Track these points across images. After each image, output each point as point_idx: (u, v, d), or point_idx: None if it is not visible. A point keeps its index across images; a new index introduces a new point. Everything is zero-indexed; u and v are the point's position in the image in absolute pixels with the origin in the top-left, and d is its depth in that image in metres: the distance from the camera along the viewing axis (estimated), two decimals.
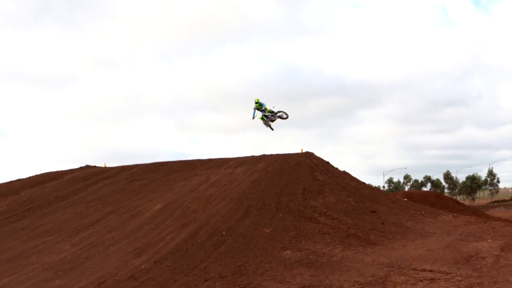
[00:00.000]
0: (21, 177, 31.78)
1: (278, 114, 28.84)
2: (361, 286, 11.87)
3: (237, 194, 21.24)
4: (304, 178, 22.76)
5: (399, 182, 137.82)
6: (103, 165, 32.81)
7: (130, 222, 20.23)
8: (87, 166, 32.72)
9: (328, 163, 26.81)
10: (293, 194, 20.76)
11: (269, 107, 28.74)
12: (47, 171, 32.69)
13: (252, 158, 28.27)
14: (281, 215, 18.59)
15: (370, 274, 12.81)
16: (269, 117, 28.67)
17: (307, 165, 24.72)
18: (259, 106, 28.67)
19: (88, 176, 29.36)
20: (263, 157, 28.41)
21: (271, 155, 28.96)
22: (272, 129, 28.53)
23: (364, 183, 26.09)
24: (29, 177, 31.50)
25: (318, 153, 27.83)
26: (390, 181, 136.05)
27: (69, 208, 23.22)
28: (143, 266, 15.13)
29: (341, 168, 26.87)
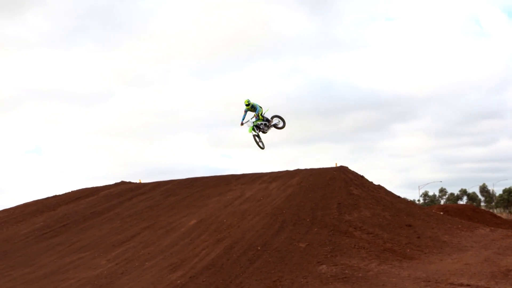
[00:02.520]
0: (58, 194, 32.08)
1: (273, 123, 26.08)
2: None
3: (272, 209, 21.21)
4: (339, 192, 22.67)
5: (434, 195, 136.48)
6: (138, 181, 32.98)
7: (165, 237, 20.29)
8: (122, 182, 32.93)
9: (362, 177, 26.68)
10: (328, 208, 20.69)
11: (263, 110, 26.13)
12: (83, 187, 32.97)
13: (287, 173, 28.21)
14: (316, 229, 18.53)
15: None
16: (261, 127, 25.96)
17: (342, 179, 24.62)
18: (251, 109, 26.17)
19: (123, 192, 29.54)
20: (298, 171, 28.33)
21: (306, 169, 28.86)
22: (263, 148, 25.84)
23: (399, 197, 25.90)
24: (65, 194, 31.78)
25: (352, 167, 27.68)
26: (425, 194, 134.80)
27: (105, 224, 23.35)
28: (178, 282, 15.16)
29: (375, 182, 26.71)
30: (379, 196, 23.78)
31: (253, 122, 25.76)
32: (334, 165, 28.24)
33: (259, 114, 25.98)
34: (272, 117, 26.13)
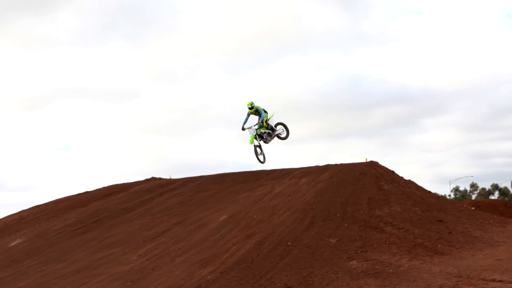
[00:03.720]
0: (89, 190, 32.32)
1: (277, 132, 23.94)
2: None
3: (302, 205, 21.19)
4: (369, 187, 22.58)
5: (465, 190, 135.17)
6: (168, 177, 33.11)
7: (195, 233, 20.36)
8: (153, 178, 33.07)
9: (393, 172, 26.54)
10: (359, 203, 20.62)
11: (268, 116, 23.80)
12: (114, 183, 33.17)
13: (317, 168, 28.14)
14: (346, 225, 18.48)
15: (438, 285, 12.65)
16: (264, 137, 23.81)
17: (372, 175, 24.52)
18: (255, 113, 24.00)
19: (154, 188, 29.67)
20: (328, 167, 28.25)
21: (336, 164, 28.77)
22: (263, 162, 23.68)
23: (430, 192, 25.71)
24: (97, 190, 31.98)
25: (382, 162, 27.51)
26: (456, 189, 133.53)
27: (136, 220, 23.49)
28: (209, 277, 15.21)
29: (406, 177, 26.56)
30: (410, 191, 23.64)
31: (256, 130, 23.66)
32: (364, 160, 28.13)
33: (264, 121, 23.89)
34: (276, 125, 24.22)
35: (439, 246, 17.27)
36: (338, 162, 29.28)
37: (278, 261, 15.66)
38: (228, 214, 21.86)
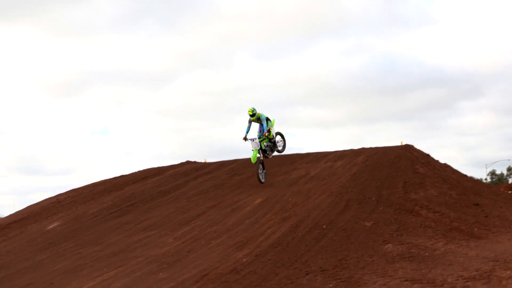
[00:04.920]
0: (124, 174, 32.58)
1: (278, 147, 23.81)
2: (465, 280, 11.65)
3: (337, 188, 21.17)
4: (404, 171, 22.49)
5: (502, 174, 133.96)
6: (203, 161, 33.25)
7: (230, 216, 20.43)
8: (188, 162, 33.23)
9: (428, 155, 26.40)
10: (394, 187, 20.55)
11: (272, 128, 23.12)
12: (149, 167, 33.40)
13: (351, 152, 28.10)
14: (381, 208, 18.43)
15: (474, 269, 12.56)
16: (267, 152, 23.22)
17: (407, 158, 24.41)
18: (257, 120, 23.13)
19: (189, 172, 29.81)
20: (363, 150, 28.19)
21: (371, 148, 28.70)
22: (262, 181, 23.12)
23: (466, 175, 25.54)
24: (132, 173, 32.23)
25: (418, 146, 27.41)
26: (492, 173, 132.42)
27: (171, 203, 23.61)
28: (244, 260, 15.26)
29: (441, 161, 26.40)
30: (446, 174, 23.50)
31: (260, 142, 22.76)
32: (400, 144, 28.00)
33: (270, 132, 22.92)
34: (276, 134, 23.81)
35: (475, 230, 17.14)
36: (373, 146, 29.23)
37: (313, 244, 15.67)
38: (263, 198, 21.90)
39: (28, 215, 27.45)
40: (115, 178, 31.88)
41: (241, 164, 29.52)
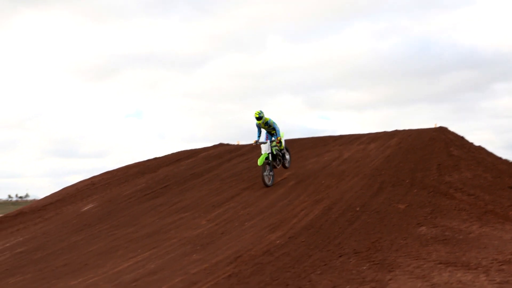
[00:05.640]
0: (158, 156, 32.76)
1: (284, 163, 22.29)
2: (500, 264, 11.57)
3: (371, 170, 21.10)
4: (438, 153, 22.34)
5: None
6: (236, 143, 33.30)
7: (264, 198, 20.46)
8: (221, 144, 33.32)
9: (463, 138, 26.20)
10: (428, 169, 20.41)
11: (281, 137, 21.43)
12: (182, 149, 33.53)
13: (385, 134, 27.98)
14: (415, 191, 18.33)
15: (510, 252, 12.47)
16: (277, 159, 21.75)
17: (442, 140, 24.25)
18: (264, 126, 21.39)
19: (222, 154, 29.90)
20: (396, 132, 28.05)
21: (404, 130, 28.55)
22: (268, 185, 21.26)
23: (501, 158, 25.28)
24: (165, 156, 32.41)
25: (452, 128, 27.19)
26: None
27: (205, 185, 23.70)
28: (277, 242, 15.29)
29: (476, 143, 26.17)
30: (480, 157, 23.30)
31: (272, 147, 21.18)
32: (433, 126, 27.80)
33: (280, 140, 21.24)
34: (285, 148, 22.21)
35: (511, 213, 16.98)
36: (407, 128, 29.06)
37: (347, 226, 15.64)
38: (296, 180, 21.91)
39: (63, 197, 27.75)
40: (148, 160, 32.09)
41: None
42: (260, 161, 20.57)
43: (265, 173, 20.96)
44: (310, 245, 14.52)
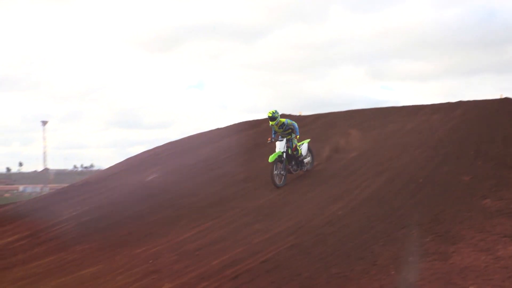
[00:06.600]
0: (220, 127, 32.91)
1: (306, 160, 20.24)
2: None
3: (434, 142, 20.84)
4: (504, 125, 21.89)
5: None
6: (298, 114, 33.23)
7: (325, 170, 20.47)
8: (282, 115, 33.24)
9: None
10: (493, 141, 20.04)
11: (303, 146, 20.16)
12: (244, 120, 33.60)
13: (449, 105, 27.51)
14: (480, 163, 18.02)
15: None
16: (292, 166, 19.74)
17: (507, 112, 23.75)
18: (278, 128, 19.61)
19: None
20: (460, 103, 27.56)
21: (468, 101, 28.02)
22: (278, 185, 19.02)
23: None
24: (227, 127, 32.53)
25: None
26: None
27: (267, 156, 23.70)
28: (339, 213, 15.29)
29: None
30: None
31: (288, 148, 19.37)
32: (499, 97, 27.26)
33: (296, 145, 19.52)
34: (307, 153, 20.44)
35: None
36: (471, 99, 28.55)
37: (409, 198, 15.52)
38: (358, 151, 21.80)
39: (127, 168, 28.23)
40: (211, 131, 32.29)
41: (335, 117, 29.39)
42: (271, 158, 18.77)
43: (275, 172, 18.94)
44: (372, 216, 14.48)
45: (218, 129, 32.41)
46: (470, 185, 16.02)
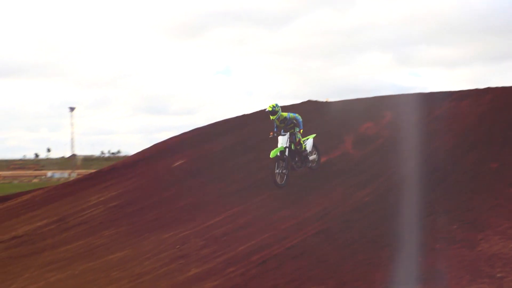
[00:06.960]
0: (246, 113, 32.85)
1: (311, 157, 18.79)
2: None
3: (462, 128, 20.69)
4: None
5: None
6: (325, 100, 33.09)
7: (353, 155, 20.41)
8: (309, 101, 33.15)
9: None
10: None
11: (308, 141, 18.63)
12: None
13: (477, 91, 27.25)
14: (508, 150, 17.86)
15: None
16: (295, 162, 18.21)
17: None
18: (280, 123, 18.20)
19: (311, 111, 29.77)
20: (489, 90, 27.26)
21: (497, 88, 27.72)
22: (280, 185, 17.41)
23: None
24: (254, 113, 32.46)
25: None
26: None
27: None
28: (366, 199, 15.28)
29: None
30: None
31: (291, 143, 17.93)
32: None
33: (299, 136, 18.09)
34: (312, 149, 18.96)
35: None
36: (500, 86, 28.26)
37: (437, 185, 15.45)
38: (385, 137, 21.71)
39: (154, 153, 28.32)
40: (237, 117, 32.24)
41: (362, 104, 29.24)
42: (272, 153, 17.26)
43: (277, 170, 17.39)
44: (399, 203, 14.44)
45: (244, 115, 32.36)
46: (499, 172, 15.91)
